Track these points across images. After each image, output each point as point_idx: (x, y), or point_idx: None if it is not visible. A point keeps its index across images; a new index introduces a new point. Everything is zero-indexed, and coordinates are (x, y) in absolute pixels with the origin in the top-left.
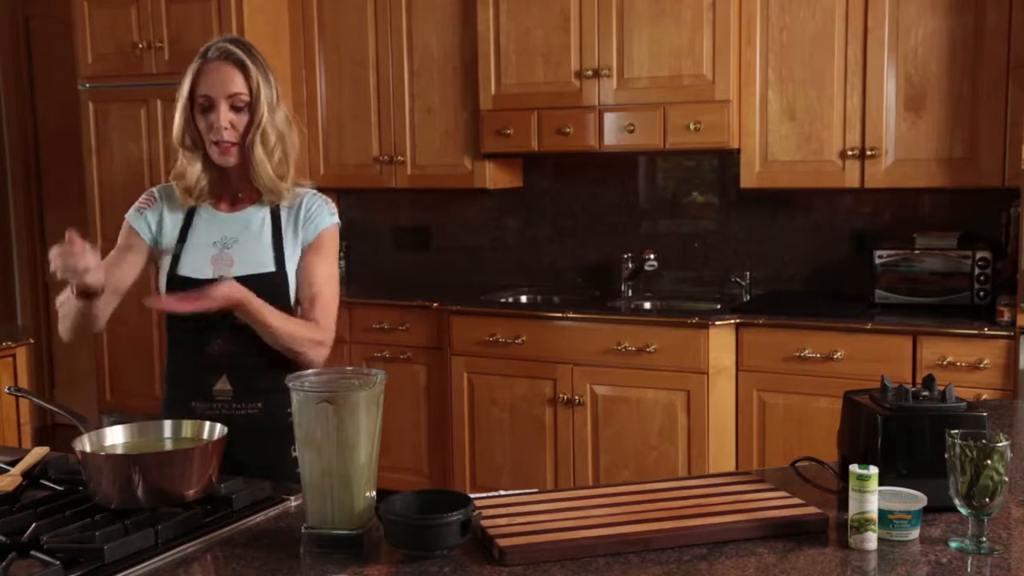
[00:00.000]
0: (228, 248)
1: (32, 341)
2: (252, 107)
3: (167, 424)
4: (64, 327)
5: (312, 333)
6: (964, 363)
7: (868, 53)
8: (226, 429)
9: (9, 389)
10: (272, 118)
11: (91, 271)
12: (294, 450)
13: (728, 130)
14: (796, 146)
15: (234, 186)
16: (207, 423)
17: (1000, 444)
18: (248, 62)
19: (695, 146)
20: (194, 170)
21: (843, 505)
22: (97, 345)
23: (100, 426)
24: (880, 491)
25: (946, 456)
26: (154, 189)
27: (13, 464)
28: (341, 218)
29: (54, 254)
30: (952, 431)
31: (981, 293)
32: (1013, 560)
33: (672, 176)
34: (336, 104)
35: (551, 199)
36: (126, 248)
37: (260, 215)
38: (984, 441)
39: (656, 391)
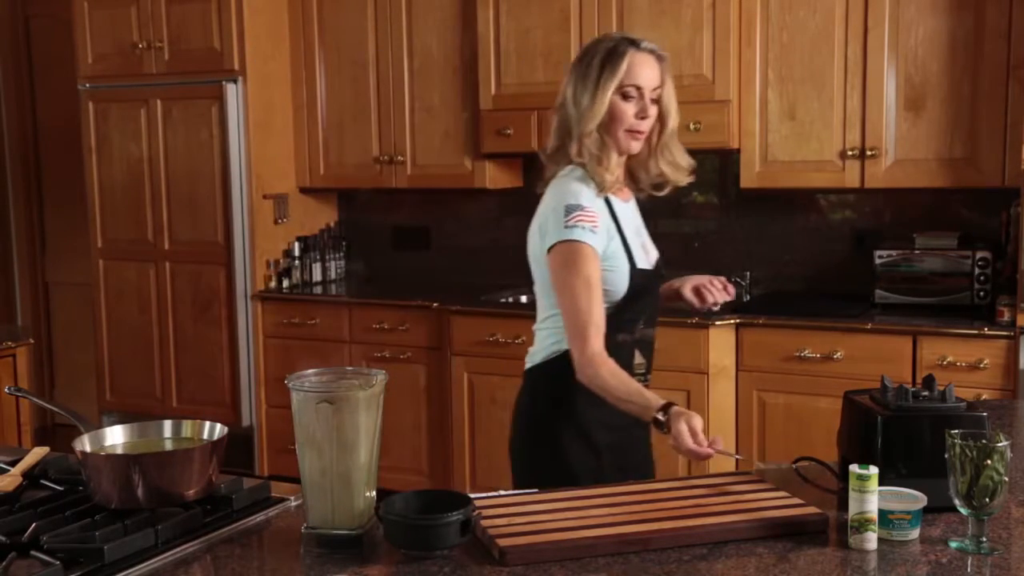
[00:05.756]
0: (641, 238)
1: (32, 341)
2: (662, 102)
3: (167, 424)
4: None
5: None
6: (964, 363)
7: (868, 53)
8: (226, 429)
9: (9, 389)
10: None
11: None
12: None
13: (728, 130)
14: (796, 146)
15: (626, 176)
16: (207, 423)
17: (1000, 444)
18: (666, 59)
19: (695, 146)
20: (612, 158)
21: (843, 505)
22: (97, 345)
23: (100, 426)
24: (880, 491)
25: (946, 456)
26: (581, 201)
27: (13, 464)
28: (341, 218)
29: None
30: (952, 431)
31: (981, 293)
32: (1013, 560)
33: None
34: (336, 104)
35: None
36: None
37: (635, 204)
38: (984, 441)
39: (656, 391)
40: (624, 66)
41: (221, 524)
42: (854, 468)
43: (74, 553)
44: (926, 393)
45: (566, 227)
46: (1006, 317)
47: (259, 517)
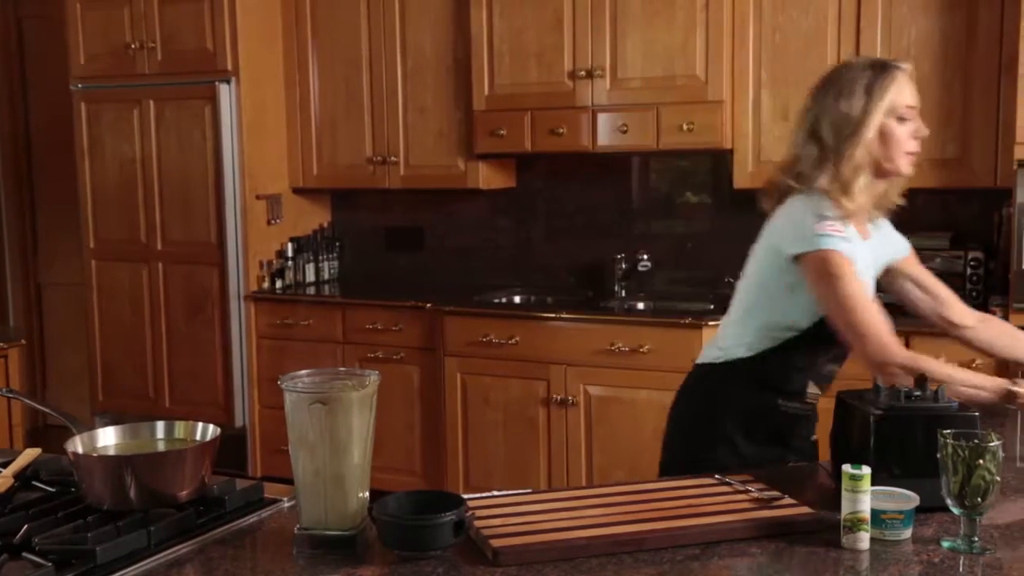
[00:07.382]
0: (864, 278)
1: (24, 342)
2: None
3: (160, 425)
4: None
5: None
6: (956, 363)
7: (861, 54)
8: (219, 430)
9: (1, 390)
10: None
11: None
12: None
13: (721, 131)
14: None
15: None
16: (200, 424)
17: (992, 444)
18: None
19: (688, 146)
20: (878, 187)
21: (836, 505)
22: (90, 346)
23: (92, 427)
24: (873, 491)
25: (938, 456)
26: (826, 212)
27: (5, 466)
28: (334, 219)
29: None
30: (944, 431)
31: (974, 293)
32: (1005, 560)
33: (665, 177)
34: (329, 104)
35: (544, 199)
36: None
37: (875, 245)
38: (976, 441)
39: (649, 391)
40: (892, 87)
41: (214, 525)
42: (847, 468)
43: (66, 554)
44: (918, 393)
45: (816, 235)
46: (999, 317)
47: (252, 518)
